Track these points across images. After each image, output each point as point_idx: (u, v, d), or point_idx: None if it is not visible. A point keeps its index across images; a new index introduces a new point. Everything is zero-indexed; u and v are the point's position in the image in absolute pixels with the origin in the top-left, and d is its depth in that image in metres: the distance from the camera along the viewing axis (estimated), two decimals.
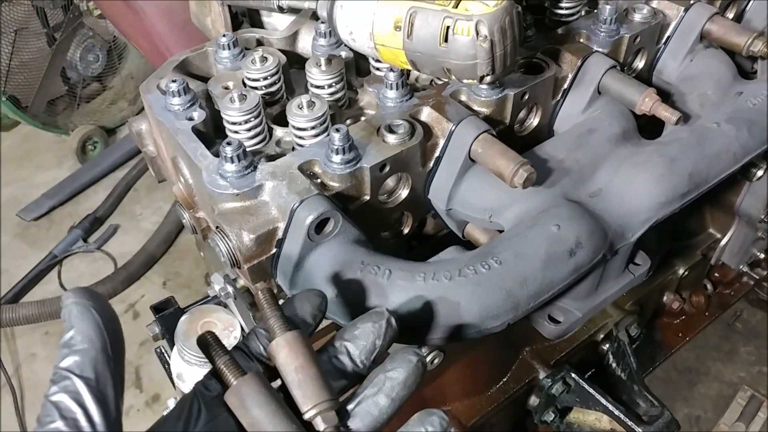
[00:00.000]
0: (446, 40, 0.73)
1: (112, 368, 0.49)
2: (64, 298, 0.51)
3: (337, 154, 0.77)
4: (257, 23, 1.13)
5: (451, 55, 0.74)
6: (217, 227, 0.77)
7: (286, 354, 0.55)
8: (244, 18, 1.16)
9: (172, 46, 1.75)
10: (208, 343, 0.57)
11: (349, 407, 0.55)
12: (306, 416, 0.53)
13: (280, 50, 1.00)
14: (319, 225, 0.74)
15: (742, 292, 1.84)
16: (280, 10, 0.96)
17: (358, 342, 0.58)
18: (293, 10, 0.98)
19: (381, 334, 0.58)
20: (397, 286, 0.72)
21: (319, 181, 0.79)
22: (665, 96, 1.04)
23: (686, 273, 1.60)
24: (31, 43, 3.04)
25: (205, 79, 0.97)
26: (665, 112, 0.86)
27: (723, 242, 1.60)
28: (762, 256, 1.64)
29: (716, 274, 1.80)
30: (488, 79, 0.75)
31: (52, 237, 3.01)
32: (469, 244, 0.91)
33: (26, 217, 3.06)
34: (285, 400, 0.53)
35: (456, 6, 0.72)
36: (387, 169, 0.80)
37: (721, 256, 1.63)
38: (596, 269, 0.85)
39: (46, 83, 3.08)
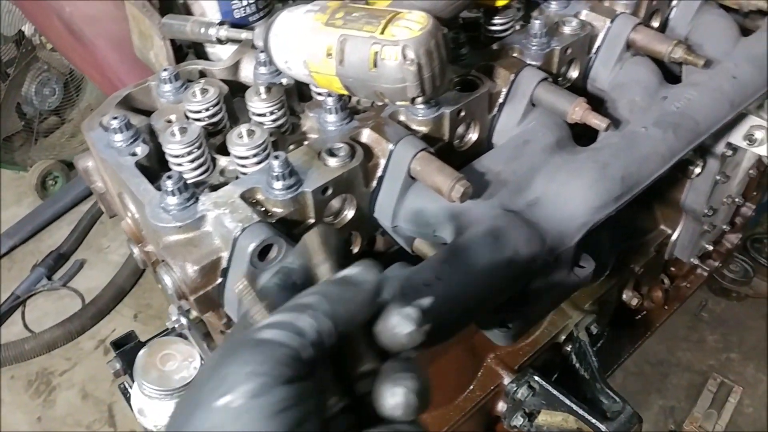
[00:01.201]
0: (376, 66, 0.76)
1: None
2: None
3: (278, 180, 0.79)
4: (202, 54, 1.14)
5: (381, 80, 0.76)
6: (162, 261, 0.78)
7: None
8: (189, 50, 1.18)
9: (125, 78, 1.75)
10: None
11: None
12: None
13: (223, 80, 1.01)
14: (263, 252, 0.75)
15: (697, 283, 1.90)
16: (219, 42, 0.98)
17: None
18: (234, 41, 1.00)
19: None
20: None
21: (262, 208, 0.81)
22: (599, 103, 1.08)
23: (642, 270, 1.65)
24: None
25: (150, 113, 0.98)
26: (595, 120, 0.90)
27: (673, 238, 1.65)
28: (711, 248, 1.70)
29: (672, 269, 1.86)
30: (419, 100, 0.78)
31: (14, 277, 2.95)
32: (419, 259, 0.93)
33: None
34: None
35: (383, 32, 0.75)
36: (329, 191, 0.82)
37: (673, 251, 1.69)
38: (539, 275, 0.88)
39: (0, 120, 3.05)
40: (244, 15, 1.05)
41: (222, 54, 1.11)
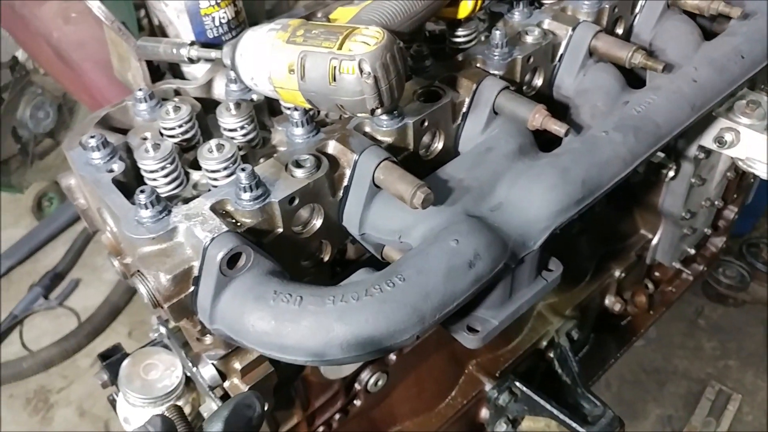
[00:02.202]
0: (335, 79, 0.79)
1: None
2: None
3: (245, 191, 0.82)
4: (178, 74, 1.18)
5: (340, 93, 0.79)
6: (137, 271, 0.81)
7: None
8: (167, 70, 1.21)
9: (113, 99, 1.78)
10: None
11: None
12: None
13: (196, 98, 1.05)
14: (231, 260, 0.78)
15: (683, 288, 1.92)
16: (191, 61, 1.01)
17: None
18: (205, 59, 1.04)
19: None
20: (308, 312, 0.76)
21: (232, 219, 0.84)
22: (564, 109, 1.11)
23: (623, 275, 1.66)
24: None
25: (127, 132, 1.01)
26: (555, 126, 0.93)
27: (654, 242, 1.67)
28: (693, 252, 1.72)
29: (657, 274, 1.88)
30: (379, 111, 0.81)
31: (11, 297, 2.99)
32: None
33: None
34: None
35: (340, 47, 0.79)
36: (296, 201, 0.85)
37: (654, 255, 1.71)
38: (503, 278, 0.90)
39: None
40: (217, 35, 1.09)
41: (197, 73, 1.14)
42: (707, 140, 1.34)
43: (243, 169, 0.81)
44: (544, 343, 1.47)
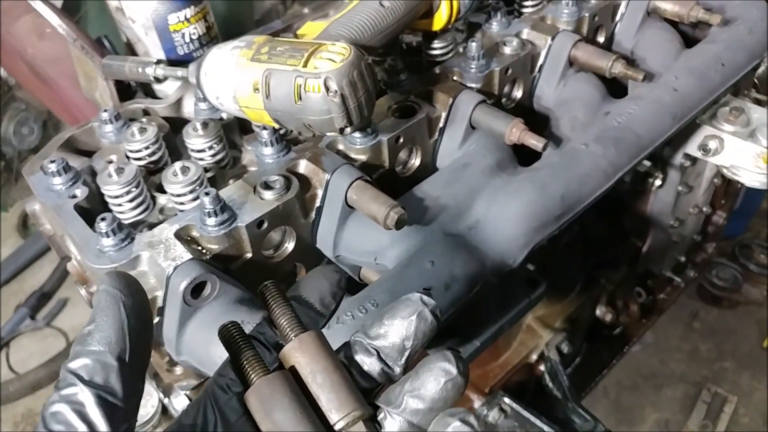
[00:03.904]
0: (300, 98, 0.76)
1: (128, 379, 0.42)
2: (99, 282, 0.45)
3: (210, 216, 0.78)
4: (150, 91, 1.15)
5: (307, 112, 0.76)
6: None
7: (305, 359, 0.49)
8: (138, 88, 1.18)
9: (91, 117, 1.76)
10: (230, 336, 0.52)
11: (379, 417, 0.49)
12: (335, 428, 0.47)
13: (167, 117, 1.02)
14: (196, 289, 0.75)
15: (675, 295, 1.89)
16: (157, 80, 0.98)
17: (386, 340, 0.50)
18: (173, 78, 1.01)
19: (410, 335, 0.50)
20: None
21: (198, 245, 0.80)
22: (546, 121, 1.09)
23: (613, 284, 1.64)
24: None
25: (93, 154, 0.98)
26: (532, 140, 0.90)
27: (644, 250, 1.65)
28: (683, 259, 1.70)
29: (648, 281, 1.85)
30: (348, 130, 0.78)
31: None
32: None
33: None
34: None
35: (305, 65, 0.76)
36: (265, 225, 0.82)
37: (645, 264, 1.68)
38: (485, 296, 0.88)
39: None
40: (187, 51, 1.06)
41: (169, 91, 1.11)
42: (692, 148, 1.32)
43: (207, 194, 0.78)
44: (534, 357, 1.44)
